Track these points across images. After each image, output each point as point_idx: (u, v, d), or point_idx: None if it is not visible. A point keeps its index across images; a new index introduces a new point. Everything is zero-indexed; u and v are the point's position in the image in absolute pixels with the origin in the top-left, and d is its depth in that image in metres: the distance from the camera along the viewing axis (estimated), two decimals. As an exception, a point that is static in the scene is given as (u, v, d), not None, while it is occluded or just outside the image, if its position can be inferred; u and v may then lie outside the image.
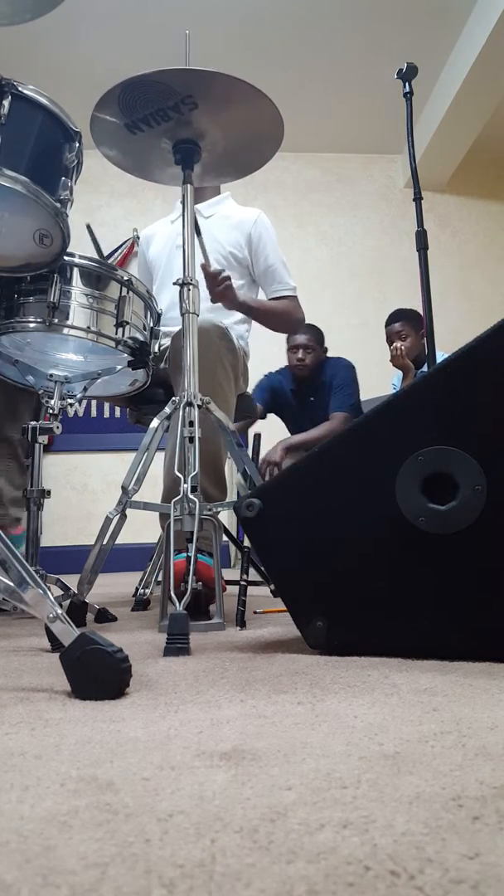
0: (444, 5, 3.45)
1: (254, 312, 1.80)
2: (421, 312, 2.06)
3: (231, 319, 1.80)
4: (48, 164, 1.10)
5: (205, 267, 1.57)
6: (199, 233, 1.53)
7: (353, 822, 0.33)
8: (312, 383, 2.80)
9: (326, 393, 2.76)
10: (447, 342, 2.52)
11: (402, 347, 2.61)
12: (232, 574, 1.88)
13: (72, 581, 1.31)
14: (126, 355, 1.39)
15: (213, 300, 1.63)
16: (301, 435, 2.73)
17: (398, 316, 2.76)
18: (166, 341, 1.66)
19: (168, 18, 3.45)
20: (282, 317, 1.86)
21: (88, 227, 1.60)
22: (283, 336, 2.66)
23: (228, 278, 1.60)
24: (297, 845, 0.31)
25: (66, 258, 1.29)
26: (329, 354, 2.91)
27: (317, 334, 2.81)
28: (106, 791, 0.39)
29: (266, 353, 3.22)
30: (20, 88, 1.05)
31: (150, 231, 2.03)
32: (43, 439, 1.35)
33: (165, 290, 1.85)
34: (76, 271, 1.32)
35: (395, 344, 2.65)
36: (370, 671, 0.73)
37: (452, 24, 3.56)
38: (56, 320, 1.27)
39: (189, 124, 1.28)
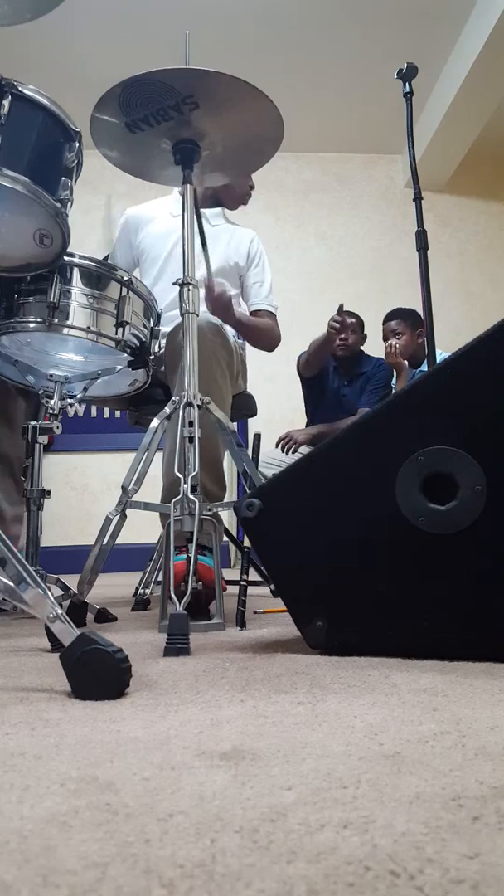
0: (444, 5, 3.45)
1: (243, 328, 1.84)
2: (421, 312, 2.06)
3: None
4: (48, 164, 1.10)
5: (208, 284, 1.59)
6: (204, 244, 1.54)
7: (353, 822, 0.33)
8: (353, 371, 2.83)
9: (361, 388, 2.80)
10: (447, 342, 2.52)
11: (397, 345, 2.63)
12: (232, 574, 1.87)
13: (72, 581, 1.31)
14: (126, 355, 1.39)
15: (213, 314, 1.65)
16: (331, 425, 2.72)
17: (395, 314, 2.79)
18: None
19: (168, 18, 3.45)
20: (266, 334, 1.91)
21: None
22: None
23: (230, 298, 1.62)
24: (297, 845, 0.31)
25: (66, 258, 1.28)
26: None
27: (359, 319, 2.88)
28: (106, 791, 0.39)
29: (266, 353, 3.21)
30: (20, 88, 1.05)
31: (144, 214, 1.93)
32: (43, 439, 1.35)
33: (162, 285, 1.83)
34: (76, 271, 1.32)
35: (389, 341, 2.67)
36: (370, 671, 0.73)
37: (452, 24, 3.56)
38: (56, 320, 1.27)
39: (189, 124, 1.28)
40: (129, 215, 1.97)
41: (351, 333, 2.79)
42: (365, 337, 2.91)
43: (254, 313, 1.92)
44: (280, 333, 1.96)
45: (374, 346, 3.00)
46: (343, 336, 2.74)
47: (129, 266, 1.92)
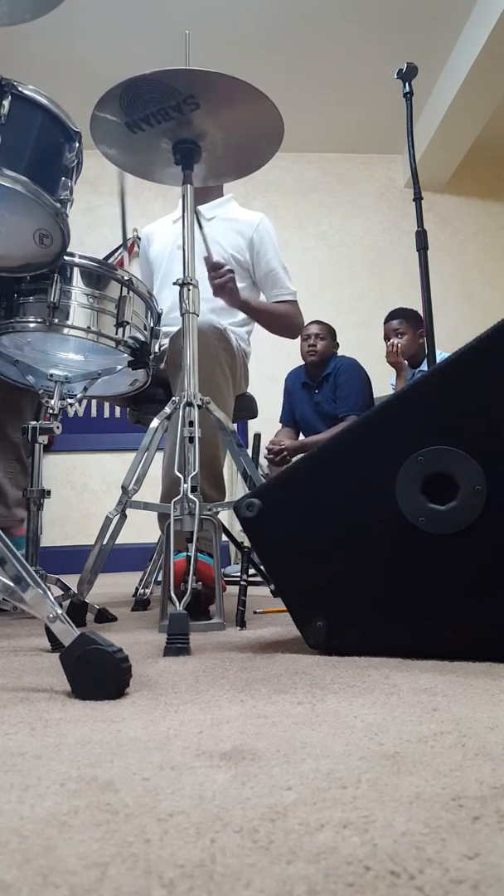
0: (444, 6, 3.45)
1: (255, 313, 1.82)
2: (421, 312, 2.06)
3: (231, 320, 1.81)
4: (48, 164, 1.10)
5: (207, 258, 1.57)
6: (200, 225, 1.53)
7: (353, 822, 0.33)
8: (319, 375, 2.94)
9: (331, 388, 2.88)
10: (447, 342, 2.52)
11: (398, 345, 2.63)
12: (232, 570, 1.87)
13: (72, 581, 1.31)
14: (126, 355, 1.39)
15: (214, 293, 1.63)
16: (317, 437, 2.84)
17: (397, 314, 2.81)
18: (166, 342, 1.66)
19: (168, 18, 3.45)
20: (282, 320, 1.88)
21: (120, 174, 1.53)
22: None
23: (231, 270, 1.60)
24: (297, 845, 0.31)
25: (66, 258, 1.28)
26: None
27: (328, 327, 3.00)
28: (106, 791, 0.39)
29: (266, 353, 3.22)
30: (20, 88, 1.05)
31: (150, 229, 2.03)
32: (43, 439, 1.35)
33: (166, 290, 1.86)
34: (76, 271, 1.32)
35: (391, 340, 2.67)
36: (370, 671, 0.73)
37: (452, 25, 3.56)
38: (56, 320, 1.27)
39: (189, 124, 1.28)
40: (143, 233, 2.05)
41: (320, 340, 2.93)
42: (337, 345, 3.02)
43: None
44: (302, 320, 1.93)
45: (375, 346, 3.00)
46: (311, 343, 2.93)
47: (149, 280, 1.97)
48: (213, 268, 1.58)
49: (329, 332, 2.98)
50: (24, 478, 1.61)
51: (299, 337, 2.94)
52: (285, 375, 3.18)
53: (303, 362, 3.08)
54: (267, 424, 2.85)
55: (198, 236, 1.51)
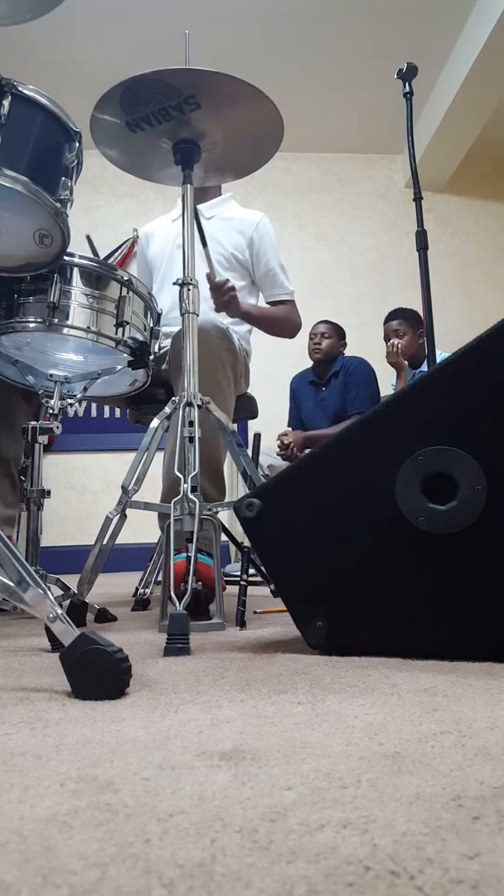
0: (444, 5, 3.45)
1: (254, 320, 1.83)
2: (421, 312, 2.06)
3: (232, 319, 1.81)
4: (48, 164, 1.10)
5: (210, 277, 1.58)
6: (204, 243, 1.53)
7: (353, 822, 0.33)
8: (326, 373, 2.97)
9: (339, 386, 2.91)
10: (447, 342, 2.52)
11: (398, 345, 2.64)
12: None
13: (72, 581, 1.31)
14: (126, 355, 1.39)
15: (217, 309, 1.64)
16: (322, 431, 2.86)
17: (396, 314, 2.81)
18: (166, 343, 1.66)
19: (168, 18, 3.45)
20: (281, 323, 1.89)
21: (88, 237, 1.60)
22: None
23: (233, 288, 1.61)
24: (297, 845, 0.31)
25: (66, 258, 1.28)
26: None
27: (336, 326, 3.05)
28: (106, 791, 0.39)
29: (266, 354, 3.22)
30: (20, 88, 1.05)
31: (150, 228, 2.03)
32: (43, 439, 1.35)
33: (166, 289, 1.86)
34: (76, 271, 1.32)
35: (391, 341, 2.68)
36: (370, 671, 0.73)
37: (452, 24, 3.56)
38: (56, 320, 1.27)
39: (189, 124, 1.28)
40: (141, 233, 2.05)
41: (325, 339, 2.97)
42: (344, 344, 3.04)
43: (271, 304, 1.91)
44: (300, 320, 1.94)
45: (376, 346, 3.00)
46: (316, 342, 2.97)
47: (148, 280, 1.96)
48: (216, 288, 1.59)
49: (336, 332, 3.00)
50: (12, 494, 1.56)
51: (307, 336, 2.96)
52: (284, 375, 3.20)
53: (304, 364, 3.09)
54: (267, 424, 2.84)
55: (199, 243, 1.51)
